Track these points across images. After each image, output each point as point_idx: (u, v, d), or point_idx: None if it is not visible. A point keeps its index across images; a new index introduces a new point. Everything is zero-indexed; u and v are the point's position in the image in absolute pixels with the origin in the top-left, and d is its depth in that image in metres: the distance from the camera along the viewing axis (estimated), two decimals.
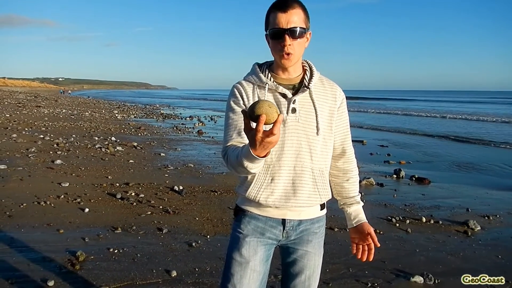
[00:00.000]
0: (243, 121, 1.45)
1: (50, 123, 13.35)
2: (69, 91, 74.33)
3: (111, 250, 3.51)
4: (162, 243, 3.77)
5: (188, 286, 3.00)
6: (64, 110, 20.59)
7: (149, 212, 4.62)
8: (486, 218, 4.96)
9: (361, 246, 1.73)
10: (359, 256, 1.74)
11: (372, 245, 1.70)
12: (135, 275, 3.09)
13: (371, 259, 1.73)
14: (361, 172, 7.58)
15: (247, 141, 1.44)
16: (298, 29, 1.45)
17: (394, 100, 57.12)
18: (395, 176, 7.30)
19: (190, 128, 14.99)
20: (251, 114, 1.18)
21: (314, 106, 1.54)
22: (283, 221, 1.57)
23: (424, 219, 4.76)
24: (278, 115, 1.18)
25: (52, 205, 4.68)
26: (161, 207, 4.83)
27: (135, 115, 20.68)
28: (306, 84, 1.55)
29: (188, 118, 20.25)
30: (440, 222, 4.74)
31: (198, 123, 17.24)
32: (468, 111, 32.14)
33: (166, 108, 30.70)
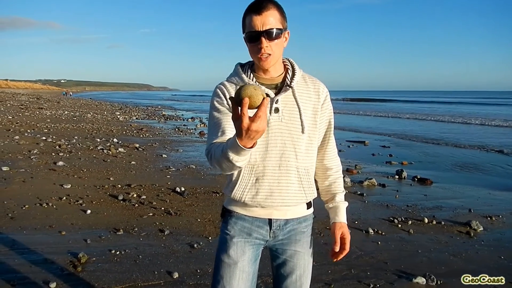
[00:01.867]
0: (227, 120, 1.46)
1: (52, 125, 13.38)
2: (70, 93, 74.54)
3: (113, 251, 3.52)
4: (164, 244, 3.77)
5: (190, 287, 3.00)
6: (66, 112, 20.63)
7: (151, 214, 4.62)
8: (489, 218, 4.94)
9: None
10: (330, 255, 1.70)
11: (335, 248, 1.64)
12: (136, 277, 3.09)
13: (333, 260, 1.68)
14: (363, 172, 7.59)
15: None
16: (274, 30, 1.45)
17: (401, 102, 55.36)
18: (397, 176, 7.28)
19: (192, 129, 15.00)
20: (237, 98, 1.17)
21: (297, 104, 1.54)
22: (270, 221, 1.57)
23: (426, 220, 4.74)
24: (264, 98, 1.16)
25: (54, 206, 4.69)
26: (163, 208, 4.83)
27: (137, 117, 20.71)
28: (288, 83, 1.54)
29: (190, 119, 20.27)
30: (443, 222, 4.72)
31: (200, 124, 17.24)
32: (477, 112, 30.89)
33: (168, 110, 30.74)
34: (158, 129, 14.56)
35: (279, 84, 1.56)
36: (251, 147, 1.23)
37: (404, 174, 7.28)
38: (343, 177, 6.80)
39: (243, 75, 1.55)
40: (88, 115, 19.72)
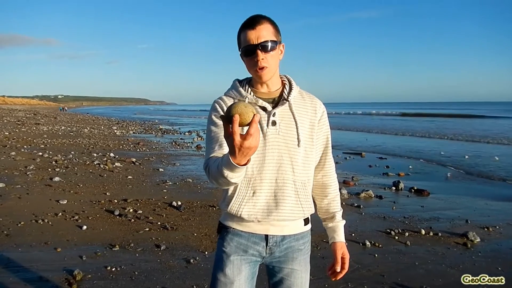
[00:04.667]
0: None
1: (49, 140, 13.36)
2: (66, 108, 74.63)
3: (109, 268, 3.49)
4: (160, 260, 3.74)
5: None
6: (63, 127, 20.62)
7: (147, 229, 4.60)
8: (486, 229, 4.94)
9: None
10: (328, 271, 1.74)
11: (336, 268, 1.68)
12: None
13: (333, 279, 1.72)
14: (360, 184, 7.59)
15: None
16: (269, 42, 1.49)
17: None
18: (394, 188, 7.29)
19: (189, 142, 15.00)
20: (227, 115, 1.17)
21: (294, 118, 1.56)
22: (266, 237, 1.57)
23: (423, 231, 4.74)
24: (254, 114, 1.16)
25: (50, 223, 4.66)
26: (159, 223, 4.81)
27: (134, 131, 20.72)
28: (286, 97, 1.57)
29: (187, 133, 20.28)
30: (440, 234, 4.72)
31: (197, 138, 17.26)
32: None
33: (165, 124, 30.77)
34: (155, 143, 14.56)
35: (276, 98, 1.59)
36: (245, 164, 1.24)
37: (401, 185, 7.29)
38: (340, 189, 6.80)
39: (241, 89, 1.58)
40: (85, 130, 19.72)
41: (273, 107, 1.56)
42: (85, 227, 4.54)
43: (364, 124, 30.15)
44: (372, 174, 9.07)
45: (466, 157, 11.95)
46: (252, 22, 1.49)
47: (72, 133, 17.15)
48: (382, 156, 12.14)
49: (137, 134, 18.61)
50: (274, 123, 1.53)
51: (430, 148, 14.46)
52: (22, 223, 4.59)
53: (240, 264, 1.56)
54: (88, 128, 20.87)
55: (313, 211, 1.64)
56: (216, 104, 1.59)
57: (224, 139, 1.45)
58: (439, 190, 7.32)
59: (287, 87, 1.61)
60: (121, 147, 12.68)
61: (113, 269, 3.47)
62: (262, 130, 1.52)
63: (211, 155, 1.47)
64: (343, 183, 7.52)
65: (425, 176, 8.98)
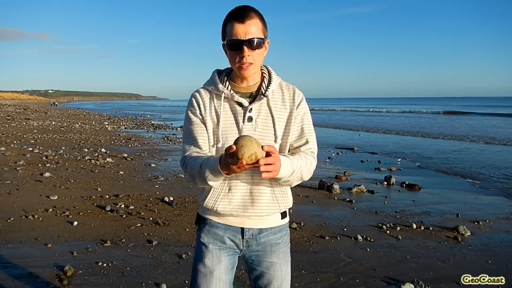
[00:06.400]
0: (198, 131, 1.52)
1: (39, 136, 13.23)
2: (56, 103, 73.82)
3: (100, 264, 3.46)
4: (152, 255, 3.72)
5: None
6: (53, 122, 20.43)
7: (139, 224, 4.57)
8: (476, 223, 4.99)
9: None
10: None
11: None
12: None
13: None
14: (352, 179, 7.62)
15: (204, 152, 1.51)
16: (256, 40, 1.45)
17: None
18: (385, 183, 7.33)
19: (181, 138, 14.90)
20: (239, 152, 1.24)
21: (271, 113, 1.54)
22: (242, 230, 1.57)
23: (414, 226, 4.77)
24: (258, 159, 1.25)
25: (40, 218, 4.62)
26: (151, 218, 4.79)
27: (125, 126, 20.58)
28: (263, 92, 1.55)
29: (179, 128, 20.18)
30: (431, 228, 4.76)
31: None
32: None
33: (157, 119, 30.60)
34: (147, 138, 14.47)
35: (253, 92, 1.57)
36: (228, 174, 1.36)
37: (393, 180, 7.33)
38: (332, 184, 6.78)
39: (219, 84, 1.55)
40: (76, 125, 19.55)
41: (250, 102, 1.54)
42: (76, 222, 4.50)
43: (355, 120, 30.20)
44: (364, 169, 9.11)
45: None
46: (242, 15, 1.44)
47: (63, 128, 16.99)
48: (374, 151, 12.20)
49: (128, 130, 18.49)
50: (250, 119, 1.52)
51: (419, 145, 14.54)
52: (11, 219, 4.54)
53: (220, 254, 1.57)
54: (79, 123, 20.69)
55: (290, 205, 1.63)
56: (193, 99, 1.59)
57: (198, 136, 1.53)
58: (430, 184, 7.38)
59: (265, 80, 1.57)
60: (112, 142, 12.59)
61: (105, 265, 3.45)
62: (237, 126, 1.52)
63: (188, 153, 1.52)
64: (335, 178, 7.54)
65: (417, 171, 9.05)
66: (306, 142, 1.58)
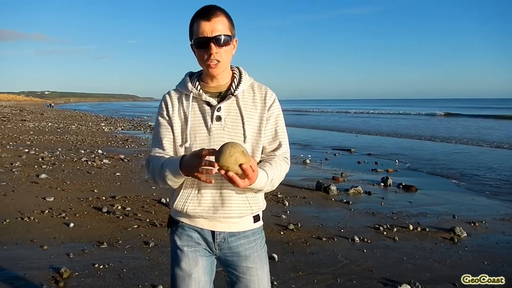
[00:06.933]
0: (164, 134, 1.55)
1: (36, 137, 13.18)
2: (53, 104, 73.59)
3: (96, 265, 3.45)
4: (149, 257, 3.71)
5: None
6: (50, 124, 20.36)
7: (136, 226, 4.56)
8: (472, 224, 5.01)
9: None
10: None
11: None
12: None
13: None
14: (349, 180, 7.63)
15: (168, 153, 1.53)
16: (223, 37, 1.46)
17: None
18: (382, 184, 7.34)
19: None
20: (218, 160, 1.26)
21: (240, 113, 1.53)
22: (213, 233, 1.55)
23: (411, 227, 4.78)
24: (236, 171, 1.27)
25: (36, 220, 4.60)
26: (148, 220, 4.77)
27: (122, 127, 20.54)
28: (233, 91, 1.54)
29: None
30: (427, 229, 4.77)
31: None
32: None
33: (154, 120, 30.51)
34: (144, 139, 14.45)
35: (223, 92, 1.56)
36: (187, 175, 1.39)
37: (390, 181, 7.34)
38: (329, 185, 6.78)
39: (188, 83, 1.56)
40: (73, 126, 19.50)
41: (219, 102, 1.53)
42: (72, 224, 4.48)
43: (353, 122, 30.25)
44: (361, 170, 9.13)
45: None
46: (207, 13, 1.45)
47: (59, 130, 16.94)
48: (370, 153, 12.21)
49: (125, 131, 18.45)
50: (219, 118, 1.51)
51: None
52: (7, 220, 4.52)
53: (196, 256, 1.55)
54: (76, 125, 20.63)
55: (263, 208, 1.62)
56: (162, 102, 1.60)
57: (164, 138, 1.56)
58: (427, 186, 7.40)
59: (235, 80, 1.57)
60: (109, 143, 12.56)
61: (101, 267, 3.43)
62: (206, 125, 1.52)
63: (152, 153, 1.56)
64: (332, 179, 7.55)
65: (414, 173, 9.07)
66: (280, 145, 1.58)
